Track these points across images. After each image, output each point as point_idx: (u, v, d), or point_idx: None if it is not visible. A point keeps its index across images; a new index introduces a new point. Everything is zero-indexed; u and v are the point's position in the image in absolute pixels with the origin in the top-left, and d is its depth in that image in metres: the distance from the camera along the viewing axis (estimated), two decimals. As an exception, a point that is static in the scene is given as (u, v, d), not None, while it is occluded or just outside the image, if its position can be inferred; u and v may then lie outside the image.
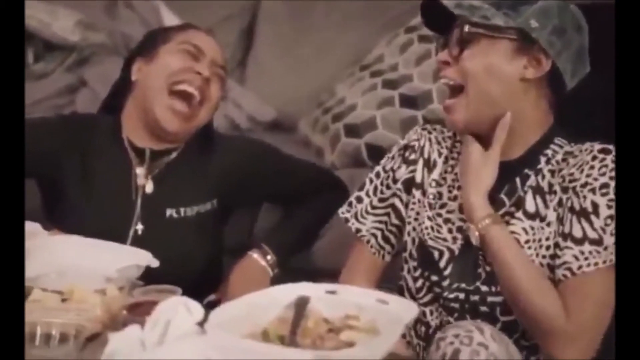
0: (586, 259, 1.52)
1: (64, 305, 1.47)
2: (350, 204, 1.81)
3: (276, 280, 1.88)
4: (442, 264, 1.66)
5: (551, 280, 1.56)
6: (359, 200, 1.80)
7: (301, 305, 1.39)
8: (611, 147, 1.56)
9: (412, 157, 1.75)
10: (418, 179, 1.73)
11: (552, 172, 1.61)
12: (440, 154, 1.73)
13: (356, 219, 1.80)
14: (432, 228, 1.68)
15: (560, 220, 1.57)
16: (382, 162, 1.81)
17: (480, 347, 1.39)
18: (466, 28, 1.60)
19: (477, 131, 1.63)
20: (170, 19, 3.32)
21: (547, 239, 1.58)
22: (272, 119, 3.12)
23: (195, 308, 1.34)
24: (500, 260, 1.55)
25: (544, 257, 1.58)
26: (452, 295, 1.63)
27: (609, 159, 1.55)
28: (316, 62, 3.17)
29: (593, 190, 1.53)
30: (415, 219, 1.72)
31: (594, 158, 1.56)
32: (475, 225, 1.57)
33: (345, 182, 2.20)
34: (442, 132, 1.76)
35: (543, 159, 1.62)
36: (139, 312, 1.43)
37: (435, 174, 1.72)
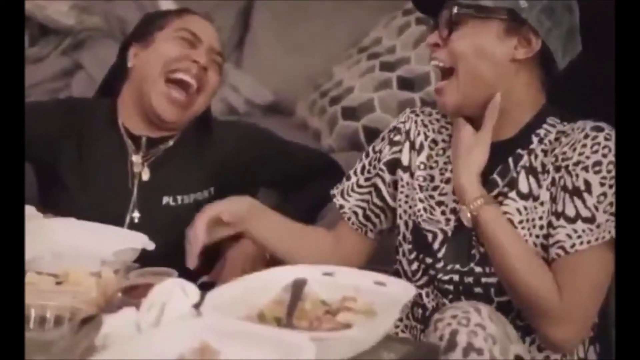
0: (579, 237, 1.51)
1: (58, 288, 1.45)
2: (340, 182, 1.81)
3: (273, 263, 1.87)
4: (435, 246, 1.65)
5: (545, 260, 1.55)
6: (348, 178, 1.81)
7: (298, 287, 1.38)
8: (604, 124, 1.55)
9: (397, 138, 1.75)
10: (405, 161, 1.73)
11: (545, 152, 1.60)
12: (426, 137, 1.73)
13: (342, 196, 1.80)
14: (425, 210, 1.67)
15: (553, 199, 1.56)
16: (374, 143, 1.80)
17: (478, 327, 1.39)
18: (455, 9, 1.59)
19: (469, 113, 1.62)
20: (166, 2, 3.30)
21: (541, 218, 1.57)
22: (269, 102, 3.11)
23: (191, 290, 1.33)
24: (493, 240, 1.54)
25: (537, 236, 1.57)
26: (446, 277, 1.63)
27: (602, 137, 1.54)
28: (313, 45, 3.16)
29: (586, 168, 1.53)
30: (406, 202, 1.72)
31: (587, 136, 1.55)
32: (467, 207, 1.56)
33: (342, 165, 2.19)
34: (431, 114, 1.75)
35: (536, 139, 1.61)
36: (134, 294, 1.42)
37: (422, 157, 1.71)
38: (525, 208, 1.58)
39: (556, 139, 1.60)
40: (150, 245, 1.64)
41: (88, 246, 1.60)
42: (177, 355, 1.18)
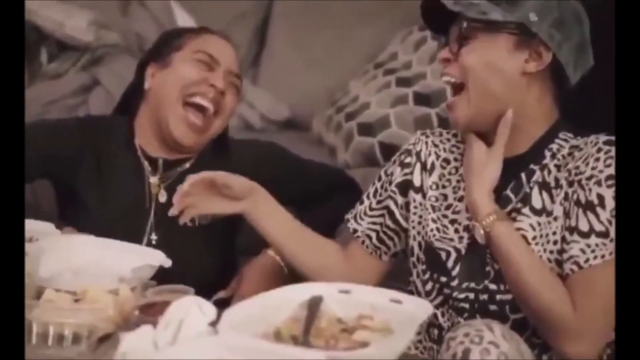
0: (593, 251, 1.51)
1: (76, 306, 1.46)
2: (355, 206, 1.82)
3: (291, 279, 1.87)
4: (449, 264, 1.65)
5: (559, 275, 1.55)
6: (361, 202, 1.81)
7: (314, 304, 1.38)
8: (614, 138, 1.55)
9: (407, 160, 1.75)
10: (417, 182, 1.73)
11: (558, 167, 1.60)
12: (438, 157, 1.73)
13: (355, 219, 1.81)
14: (437, 230, 1.67)
15: (566, 214, 1.56)
16: (386, 166, 1.81)
17: (491, 345, 1.39)
18: (464, 24, 1.59)
19: (480, 128, 1.63)
20: (183, 18, 3.32)
21: (554, 233, 1.57)
22: (285, 118, 3.12)
23: (208, 308, 1.33)
24: (506, 256, 1.54)
25: (551, 252, 1.57)
26: (461, 295, 1.62)
27: (614, 151, 1.53)
28: (330, 60, 3.17)
29: (599, 183, 1.52)
30: (419, 223, 1.72)
31: (599, 150, 1.55)
32: (479, 223, 1.57)
33: (359, 181, 2.19)
34: (441, 134, 1.76)
35: (548, 154, 1.61)
36: (151, 312, 1.43)
37: (434, 177, 1.72)
38: (539, 224, 1.58)
39: (569, 154, 1.60)
40: (168, 263, 1.65)
41: (106, 263, 1.61)
42: (194, 374, 1.19)
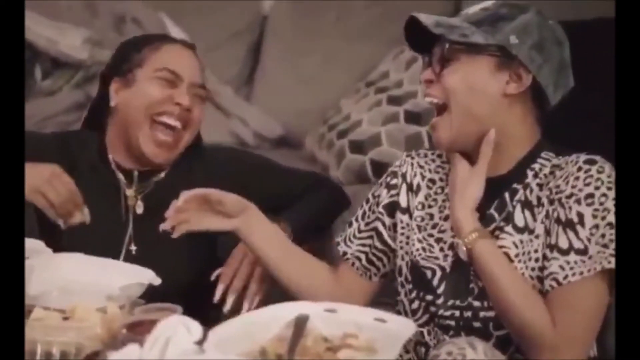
0: (572, 268, 1.53)
1: (65, 324, 1.46)
2: (344, 229, 1.84)
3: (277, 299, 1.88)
4: (435, 282, 1.66)
5: (540, 292, 1.56)
6: (350, 224, 1.83)
7: (300, 323, 1.39)
8: (597, 157, 1.57)
9: (394, 182, 1.77)
10: (403, 203, 1.75)
11: (540, 186, 1.62)
12: (423, 177, 1.74)
13: (344, 242, 1.82)
14: (423, 249, 1.69)
15: (547, 232, 1.58)
16: (373, 189, 1.83)
17: None
18: (446, 46, 1.61)
19: (464, 149, 1.64)
20: (177, 36, 3.34)
21: (536, 251, 1.59)
22: (278, 135, 3.14)
23: (194, 327, 1.34)
24: (489, 274, 1.56)
25: (533, 269, 1.58)
26: (447, 313, 1.64)
27: (595, 170, 1.56)
28: (322, 78, 3.20)
29: (578, 201, 1.54)
30: (407, 243, 1.73)
31: (579, 169, 1.57)
32: (462, 240, 1.58)
33: (350, 198, 2.20)
34: (426, 155, 1.77)
35: (531, 173, 1.63)
36: (139, 330, 1.43)
37: (420, 197, 1.73)
38: (522, 241, 1.60)
39: (551, 173, 1.61)
40: (157, 281, 1.66)
41: (95, 281, 1.61)
42: (179, 392, 1.20)
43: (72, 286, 1.59)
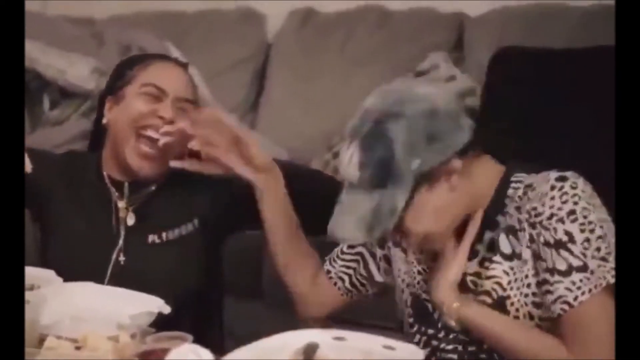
0: (579, 288, 1.53)
1: (77, 353, 1.48)
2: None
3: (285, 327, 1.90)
4: (436, 315, 1.67)
5: (539, 318, 1.58)
6: (337, 245, 1.84)
7: (310, 351, 1.41)
8: (567, 173, 1.57)
9: None
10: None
11: (518, 209, 1.61)
12: None
13: (330, 261, 1.85)
14: (424, 281, 1.70)
15: (537, 256, 1.58)
16: None
17: None
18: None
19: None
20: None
21: (527, 277, 1.59)
22: (283, 162, 3.15)
23: (205, 355, 1.36)
24: (483, 331, 1.59)
25: (526, 295, 1.59)
26: (449, 347, 1.65)
27: (568, 186, 1.54)
28: (327, 105, 3.22)
29: (561, 220, 1.54)
30: (406, 273, 1.75)
31: (552, 188, 1.55)
32: (447, 316, 1.61)
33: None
34: None
35: (507, 200, 1.62)
36: (150, 359, 1.46)
37: None
38: (512, 268, 1.61)
39: (524, 194, 1.60)
40: (167, 309, 1.68)
41: (106, 310, 1.62)
42: (191, 421, 1.21)
43: (84, 315, 1.61)
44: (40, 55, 3.15)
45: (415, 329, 1.71)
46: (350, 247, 1.82)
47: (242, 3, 3.64)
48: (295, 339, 1.45)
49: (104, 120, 2.01)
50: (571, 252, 1.53)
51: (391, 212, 1.54)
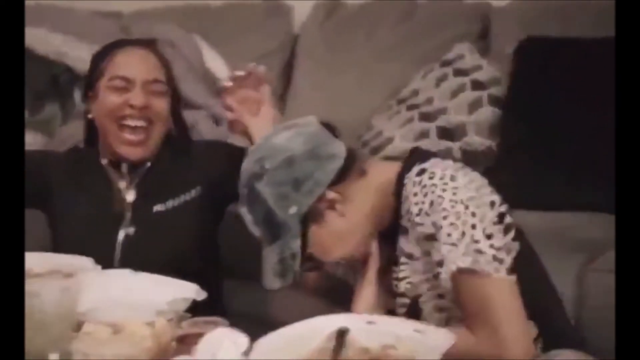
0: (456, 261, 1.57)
1: (115, 337, 1.52)
2: None
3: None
4: None
5: (446, 308, 1.64)
6: None
7: (341, 335, 1.44)
8: (426, 165, 1.63)
9: None
10: None
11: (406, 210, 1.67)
12: None
13: None
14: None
15: (426, 253, 1.64)
16: None
17: None
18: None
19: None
20: (211, 56, 3.40)
21: (424, 272, 1.66)
22: (311, 152, 3.17)
23: (240, 339, 1.40)
24: None
25: (430, 289, 1.66)
26: None
27: (426, 178, 1.60)
28: (354, 96, 3.23)
29: (427, 213, 1.59)
30: None
31: (414, 185, 1.62)
32: None
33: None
34: None
35: (403, 200, 1.68)
36: (186, 342, 1.50)
37: None
38: (416, 267, 1.67)
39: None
40: (202, 295, 1.72)
41: (142, 297, 1.67)
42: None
43: (120, 301, 1.65)
44: (69, 49, 3.20)
45: None
46: None
47: (268, -5, 3.66)
48: (327, 323, 1.48)
49: (90, 116, 2.12)
50: (443, 239, 1.58)
51: (293, 257, 1.65)
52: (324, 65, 3.36)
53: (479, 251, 1.55)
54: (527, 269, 1.62)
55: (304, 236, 1.65)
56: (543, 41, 2.76)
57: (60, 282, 1.61)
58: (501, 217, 1.61)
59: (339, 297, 1.88)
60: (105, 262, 1.86)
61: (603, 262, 2.12)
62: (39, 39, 3.26)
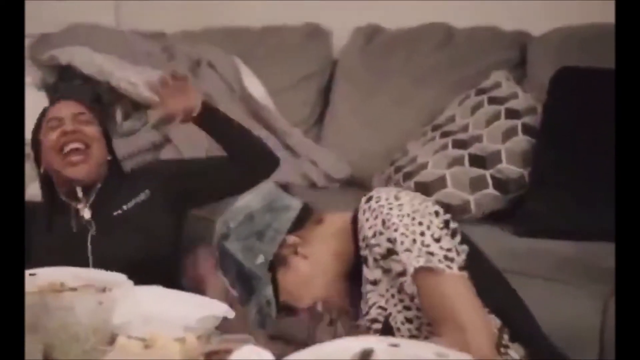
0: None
1: (146, 352, 1.56)
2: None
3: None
4: None
5: (414, 317, 1.69)
6: None
7: (365, 356, 1.47)
8: (372, 193, 1.72)
9: None
10: None
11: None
12: None
13: None
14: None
15: (385, 271, 1.69)
16: None
17: None
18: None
19: None
20: (249, 78, 3.46)
21: (387, 290, 1.71)
22: (346, 176, 3.21)
23: (266, 356, 1.43)
24: None
25: (395, 304, 1.70)
26: None
27: (374, 202, 1.69)
28: (390, 121, 3.26)
29: (380, 232, 1.67)
30: None
31: (364, 212, 1.71)
32: None
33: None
34: None
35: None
36: (215, 359, 1.53)
37: None
38: (380, 290, 1.72)
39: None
40: (231, 314, 1.76)
41: (173, 313, 1.71)
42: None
43: (152, 317, 1.69)
44: (113, 69, 3.27)
45: None
46: None
47: (308, 19, 3.71)
48: (352, 344, 1.51)
49: (41, 170, 2.45)
50: (398, 252, 1.65)
51: (268, 304, 1.77)
52: (362, 89, 3.40)
53: (431, 253, 1.63)
54: (478, 268, 1.69)
55: (275, 283, 1.77)
56: (579, 71, 2.77)
57: (95, 296, 1.66)
58: (446, 223, 1.69)
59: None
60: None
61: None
62: (83, 57, 3.34)
